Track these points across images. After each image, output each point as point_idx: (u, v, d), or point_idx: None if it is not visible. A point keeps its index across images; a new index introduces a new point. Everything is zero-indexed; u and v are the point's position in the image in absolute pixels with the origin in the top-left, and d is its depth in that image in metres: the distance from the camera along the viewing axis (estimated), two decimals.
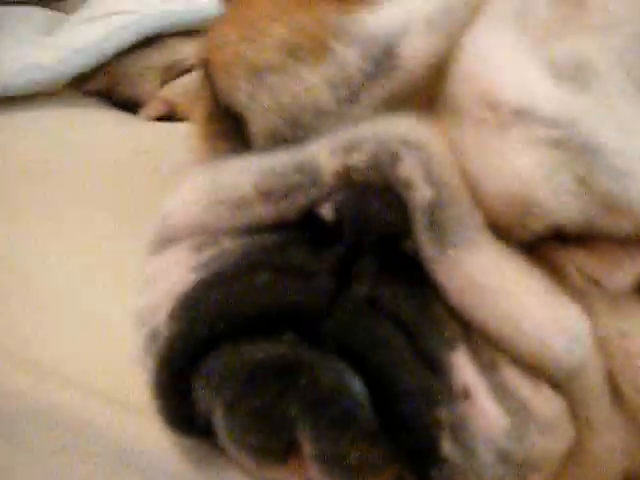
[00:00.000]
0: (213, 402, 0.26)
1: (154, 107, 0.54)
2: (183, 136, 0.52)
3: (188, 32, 0.56)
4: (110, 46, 0.51)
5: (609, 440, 0.27)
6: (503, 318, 0.24)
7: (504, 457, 0.25)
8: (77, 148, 0.50)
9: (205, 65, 0.30)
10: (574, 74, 0.25)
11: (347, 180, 0.26)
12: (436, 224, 0.25)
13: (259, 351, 0.26)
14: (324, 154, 0.26)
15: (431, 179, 0.25)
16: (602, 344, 0.25)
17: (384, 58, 0.26)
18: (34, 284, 0.43)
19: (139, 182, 0.46)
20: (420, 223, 0.25)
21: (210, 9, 0.51)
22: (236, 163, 0.28)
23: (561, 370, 0.25)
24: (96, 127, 0.52)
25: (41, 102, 0.51)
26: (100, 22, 0.51)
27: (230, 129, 0.29)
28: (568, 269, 0.26)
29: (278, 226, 0.27)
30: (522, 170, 0.24)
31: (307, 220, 0.26)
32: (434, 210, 0.25)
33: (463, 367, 0.24)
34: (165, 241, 0.29)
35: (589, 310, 0.25)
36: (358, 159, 0.26)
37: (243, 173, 0.27)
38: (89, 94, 0.54)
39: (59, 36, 0.51)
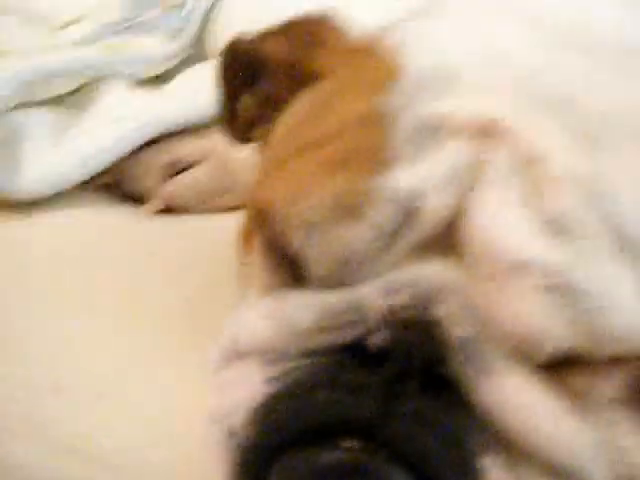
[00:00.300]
0: None
1: (155, 204, 0.60)
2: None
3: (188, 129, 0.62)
4: (122, 150, 0.57)
5: None
6: (535, 430, 0.32)
7: None
8: (90, 244, 0.55)
9: (259, 210, 0.37)
10: (562, 229, 0.33)
11: (392, 317, 0.33)
12: (471, 355, 0.32)
13: (324, 456, 0.32)
14: (371, 296, 0.33)
15: (463, 319, 0.32)
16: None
17: (409, 215, 0.33)
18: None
19: (153, 281, 0.52)
20: (457, 354, 0.32)
21: (209, 108, 0.57)
22: (299, 298, 0.35)
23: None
24: (106, 223, 0.57)
25: (56, 199, 0.57)
26: (114, 125, 0.57)
27: (286, 265, 0.36)
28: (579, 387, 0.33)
29: (334, 350, 0.33)
30: (523, 314, 0.31)
31: (358, 347, 0.33)
32: (468, 344, 0.32)
33: (493, 470, 0.31)
34: (234, 357, 0.35)
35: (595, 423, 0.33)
36: (400, 300, 0.33)
37: (306, 309, 0.34)
38: (98, 188, 0.60)
39: (75, 140, 0.57)
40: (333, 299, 0.34)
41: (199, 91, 0.61)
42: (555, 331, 0.31)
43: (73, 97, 0.61)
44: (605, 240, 0.33)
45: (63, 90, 0.60)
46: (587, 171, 0.33)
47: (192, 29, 0.73)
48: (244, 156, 0.57)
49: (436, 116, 0.34)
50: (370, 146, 0.34)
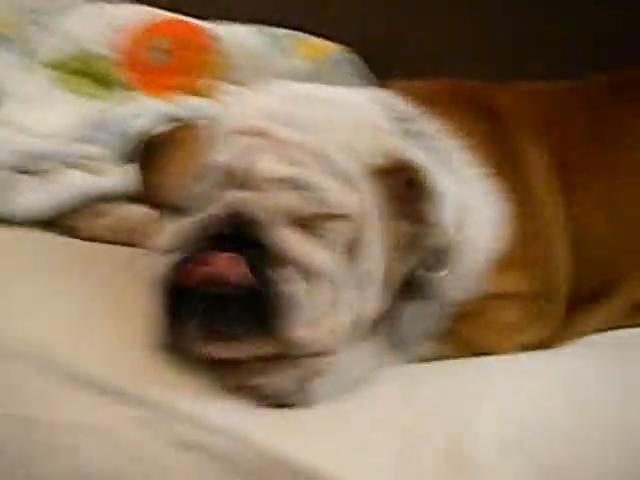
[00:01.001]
0: None
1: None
2: None
3: None
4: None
5: None
6: (305, 256, 0.72)
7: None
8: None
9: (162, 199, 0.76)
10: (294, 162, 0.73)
11: (225, 216, 0.71)
12: (264, 223, 0.71)
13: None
14: (215, 210, 0.72)
15: (256, 208, 0.72)
16: None
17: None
18: None
19: None
20: (260, 224, 0.71)
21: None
22: (184, 220, 0.73)
23: None
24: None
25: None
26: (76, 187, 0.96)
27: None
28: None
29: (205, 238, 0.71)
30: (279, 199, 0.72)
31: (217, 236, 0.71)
32: (262, 219, 0.72)
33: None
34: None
35: None
36: (227, 208, 0.72)
37: (190, 223, 0.72)
38: None
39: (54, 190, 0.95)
40: (200, 216, 0.72)
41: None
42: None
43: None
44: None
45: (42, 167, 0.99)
46: None
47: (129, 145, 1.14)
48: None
49: (231, 131, 0.76)
50: (204, 152, 0.74)
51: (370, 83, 1.33)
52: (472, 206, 0.83)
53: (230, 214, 0.71)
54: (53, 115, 1.19)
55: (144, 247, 0.85)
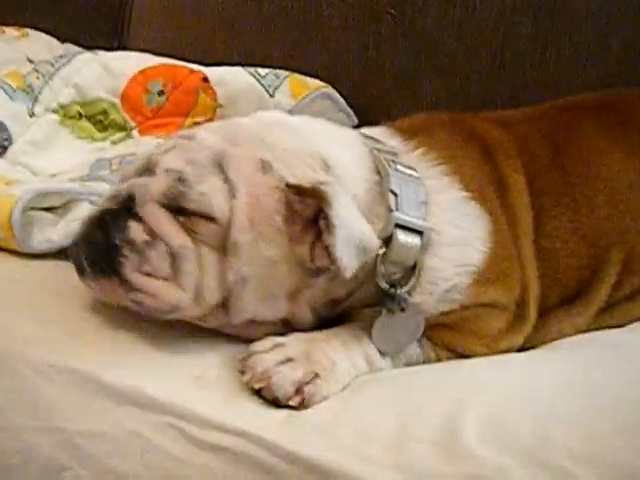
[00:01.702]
0: None
1: None
2: None
3: None
4: None
5: None
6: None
7: None
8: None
9: None
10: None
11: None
12: (136, 202, 0.86)
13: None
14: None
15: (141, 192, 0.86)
16: None
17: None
18: None
19: None
20: (135, 203, 0.85)
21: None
22: None
23: None
24: None
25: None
26: None
27: None
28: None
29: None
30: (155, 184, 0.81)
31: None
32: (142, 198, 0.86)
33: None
34: None
35: None
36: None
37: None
38: None
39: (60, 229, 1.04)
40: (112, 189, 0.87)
41: None
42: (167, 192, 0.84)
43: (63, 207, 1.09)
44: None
45: (56, 203, 1.08)
46: None
47: None
48: None
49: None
50: None
51: (349, 117, 1.44)
52: (452, 228, 0.92)
53: (118, 193, 0.86)
54: (58, 156, 1.28)
55: None
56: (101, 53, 1.42)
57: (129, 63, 1.40)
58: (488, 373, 0.88)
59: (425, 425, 0.78)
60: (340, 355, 0.85)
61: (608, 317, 1.04)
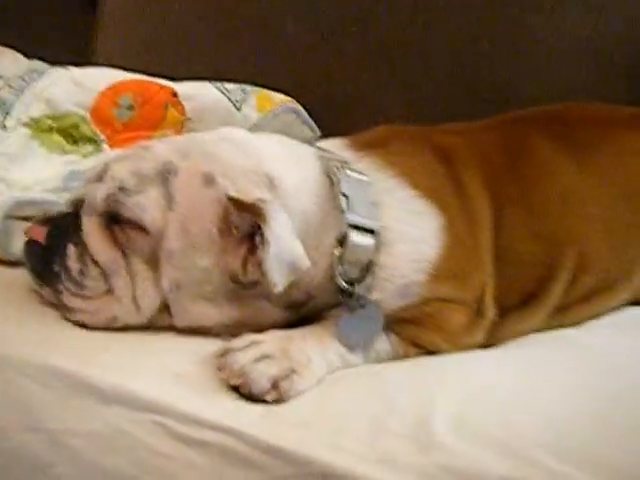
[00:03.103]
0: None
1: None
2: None
3: None
4: None
5: None
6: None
7: None
8: None
9: None
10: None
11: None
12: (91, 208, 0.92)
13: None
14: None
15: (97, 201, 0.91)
16: None
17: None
18: None
19: None
20: (84, 211, 0.92)
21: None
22: None
23: None
24: None
25: None
26: None
27: None
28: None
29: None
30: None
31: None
32: (89, 204, 0.93)
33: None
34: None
35: None
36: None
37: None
38: None
39: None
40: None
41: None
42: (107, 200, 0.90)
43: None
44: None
45: (33, 213, 1.10)
46: None
47: None
48: None
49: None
50: None
51: (313, 131, 1.49)
52: (404, 226, 0.97)
53: (76, 197, 0.92)
54: (30, 169, 1.31)
55: None
56: (72, 68, 1.45)
57: (100, 78, 1.43)
58: (456, 368, 0.93)
59: (398, 418, 0.82)
60: (315, 351, 0.89)
61: (563, 317, 1.10)
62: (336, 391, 0.87)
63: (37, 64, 1.59)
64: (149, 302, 0.89)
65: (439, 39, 1.43)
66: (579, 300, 1.10)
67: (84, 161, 1.38)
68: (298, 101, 1.49)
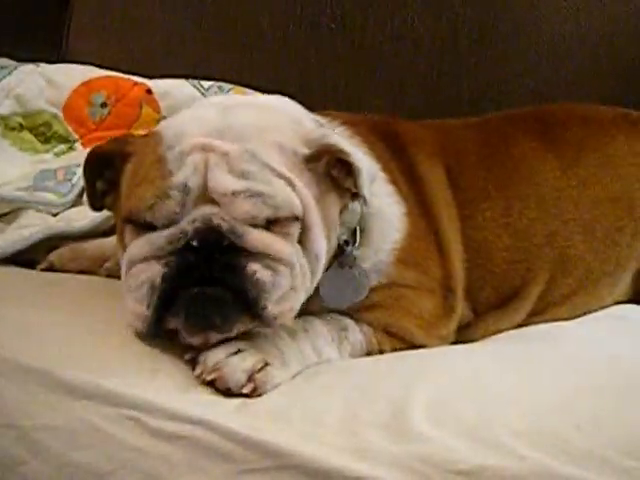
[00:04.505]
0: None
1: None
2: None
3: None
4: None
5: None
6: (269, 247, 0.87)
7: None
8: None
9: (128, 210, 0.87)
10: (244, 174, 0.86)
11: (195, 232, 0.83)
12: (235, 230, 0.85)
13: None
14: (185, 225, 0.84)
15: (225, 221, 0.85)
16: None
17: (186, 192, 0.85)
18: None
19: None
20: (229, 233, 0.84)
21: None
22: (154, 234, 0.85)
23: None
24: None
25: None
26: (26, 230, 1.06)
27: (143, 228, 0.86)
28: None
29: (179, 250, 0.84)
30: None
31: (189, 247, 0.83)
32: (232, 228, 0.85)
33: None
34: (131, 265, 0.85)
35: None
36: (197, 225, 0.83)
37: (161, 236, 0.85)
38: None
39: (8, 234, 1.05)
40: (171, 230, 0.84)
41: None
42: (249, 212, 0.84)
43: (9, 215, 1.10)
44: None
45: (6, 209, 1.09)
46: None
47: (76, 190, 1.23)
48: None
49: (180, 149, 0.86)
50: (161, 171, 0.86)
51: None
52: (382, 205, 0.99)
53: (197, 228, 0.83)
54: (2, 168, 1.29)
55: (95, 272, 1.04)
56: (43, 65, 1.43)
57: (72, 75, 1.42)
58: (431, 361, 0.93)
59: (373, 410, 0.82)
60: (288, 344, 0.89)
61: (541, 319, 1.10)
62: (312, 384, 0.86)
63: (4, 61, 1.57)
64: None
65: (417, 35, 1.43)
66: (559, 300, 1.11)
67: (57, 160, 1.36)
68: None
